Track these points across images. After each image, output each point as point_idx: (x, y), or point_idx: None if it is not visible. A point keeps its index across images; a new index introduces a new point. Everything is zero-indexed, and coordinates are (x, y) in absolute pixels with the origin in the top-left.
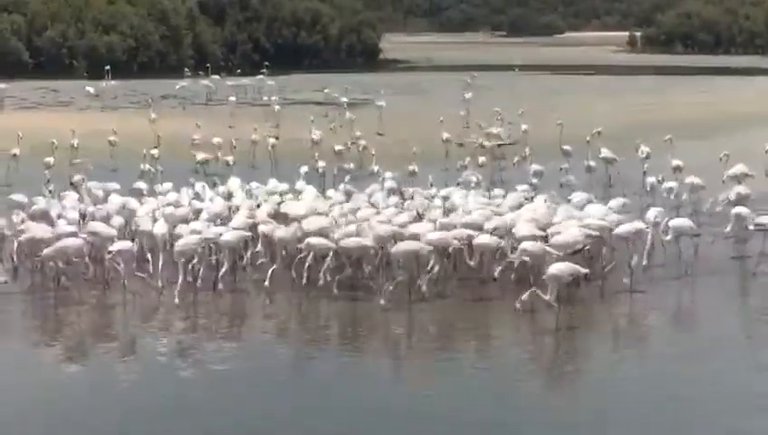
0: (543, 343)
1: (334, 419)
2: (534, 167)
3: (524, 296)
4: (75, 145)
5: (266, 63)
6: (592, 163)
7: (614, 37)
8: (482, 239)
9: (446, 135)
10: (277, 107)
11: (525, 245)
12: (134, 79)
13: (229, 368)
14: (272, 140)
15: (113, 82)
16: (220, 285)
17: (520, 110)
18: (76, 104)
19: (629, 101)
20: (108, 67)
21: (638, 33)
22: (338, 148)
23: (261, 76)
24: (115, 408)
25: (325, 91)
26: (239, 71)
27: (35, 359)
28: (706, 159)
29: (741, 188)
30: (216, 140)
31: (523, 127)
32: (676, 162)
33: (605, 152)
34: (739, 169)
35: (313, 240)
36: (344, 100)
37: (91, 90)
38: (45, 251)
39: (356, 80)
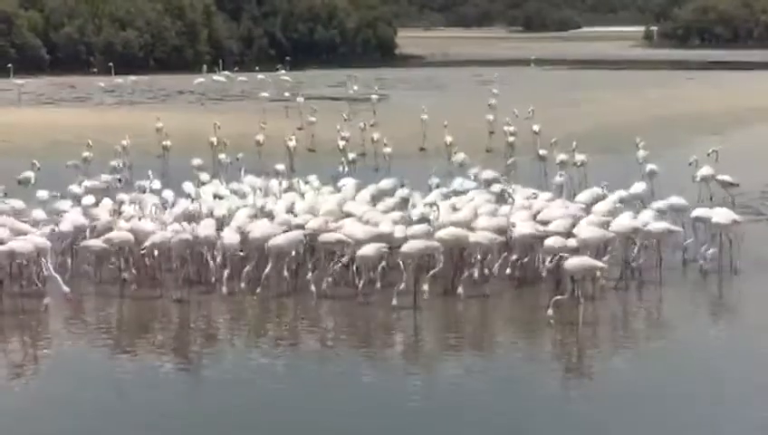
0: (558, 339)
1: (344, 417)
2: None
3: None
4: (126, 145)
5: (287, 58)
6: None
7: (630, 32)
8: (476, 237)
9: (449, 139)
10: (312, 118)
11: (550, 241)
12: (151, 74)
13: (234, 370)
14: (292, 143)
15: (133, 78)
16: (224, 289)
17: (530, 108)
18: (93, 100)
19: (645, 95)
20: (112, 64)
21: (654, 28)
22: (351, 156)
23: (282, 71)
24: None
25: (353, 87)
26: (257, 67)
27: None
28: (721, 153)
29: (707, 169)
30: (259, 137)
31: (535, 127)
32: (650, 167)
33: (560, 157)
34: (706, 170)
35: (280, 239)
36: (375, 97)
37: (102, 84)
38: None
39: (373, 75)
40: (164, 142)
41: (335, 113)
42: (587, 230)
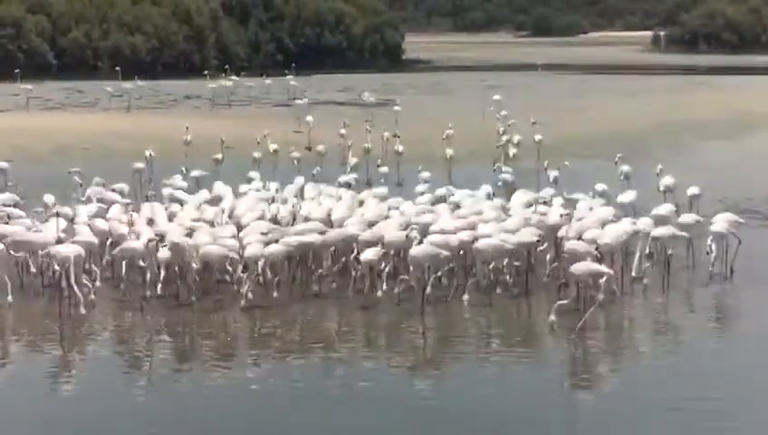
0: (562, 345)
1: (348, 419)
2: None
3: (556, 308)
4: (149, 156)
5: (293, 65)
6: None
7: (637, 37)
8: (480, 244)
9: (450, 152)
10: (343, 131)
11: (571, 244)
12: (158, 79)
13: (238, 374)
14: (296, 154)
15: (141, 83)
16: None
17: (532, 119)
18: (101, 105)
19: (652, 101)
20: (119, 68)
21: (661, 33)
22: (353, 176)
23: (290, 76)
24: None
25: (365, 94)
26: (263, 74)
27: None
28: (728, 159)
29: (669, 180)
30: (320, 147)
31: (537, 137)
32: (601, 186)
33: (503, 177)
34: (668, 180)
35: (275, 248)
36: (397, 108)
37: (110, 89)
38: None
39: (381, 80)
40: (255, 154)
41: (346, 119)
42: (610, 235)
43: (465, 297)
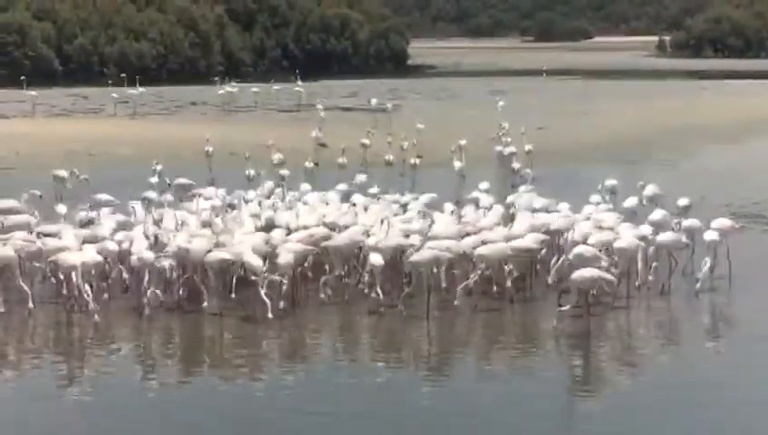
0: (564, 352)
1: (357, 426)
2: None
3: (558, 314)
4: (157, 168)
5: (297, 71)
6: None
7: (643, 42)
8: (482, 250)
9: (458, 164)
10: (366, 141)
11: (580, 249)
12: (163, 86)
13: (247, 380)
14: (310, 165)
15: (142, 89)
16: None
17: (522, 129)
18: (106, 111)
19: (659, 105)
20: (125, 75)
21: (667, 38)
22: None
23: (298, 82)
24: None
25: (373, 101)
26: (273, 80)
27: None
28: (734, 163)
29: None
30: (340, 160)
31: (527, 147)
32: (596, 198)
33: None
34: (651, 189)
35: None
36: (420, 126)
37: (115, 95)
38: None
39: (386, 85)
40: (282, 172)
41: (350, 124)
42: (626, 241)
43: (459, 290)
